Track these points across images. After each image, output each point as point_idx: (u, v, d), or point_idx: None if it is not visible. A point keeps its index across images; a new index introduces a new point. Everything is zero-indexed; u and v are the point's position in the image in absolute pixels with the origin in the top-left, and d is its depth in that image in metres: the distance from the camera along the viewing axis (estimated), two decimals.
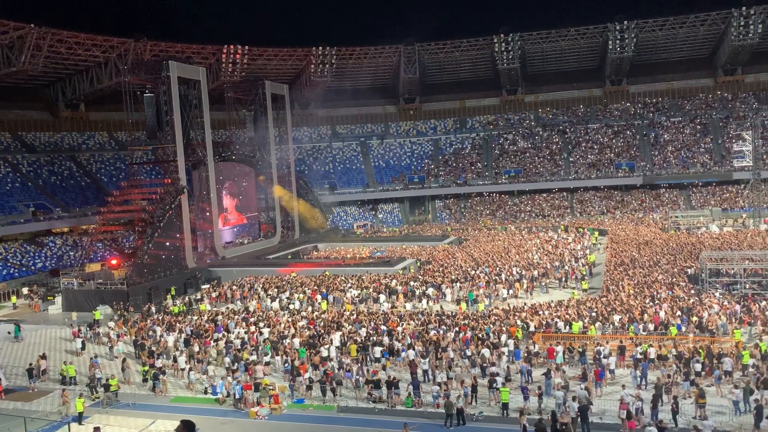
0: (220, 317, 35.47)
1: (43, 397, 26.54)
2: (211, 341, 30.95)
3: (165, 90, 51.24)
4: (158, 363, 27.82)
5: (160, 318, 36.74)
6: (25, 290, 48.82)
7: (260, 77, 69.74)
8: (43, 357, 29.75)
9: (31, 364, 28.57)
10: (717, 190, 76.53)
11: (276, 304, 38.93)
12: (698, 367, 23.49)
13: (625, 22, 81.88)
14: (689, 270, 39.88)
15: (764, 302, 31.39)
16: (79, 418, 23.32)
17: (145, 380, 26.99)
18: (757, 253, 39.63)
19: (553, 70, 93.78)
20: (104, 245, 54.90)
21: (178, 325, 34.31)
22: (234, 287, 44.45)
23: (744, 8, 78.26)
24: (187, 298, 43.03)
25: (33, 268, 55.27)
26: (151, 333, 33.41)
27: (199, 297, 43.24)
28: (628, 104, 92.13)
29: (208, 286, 46.70)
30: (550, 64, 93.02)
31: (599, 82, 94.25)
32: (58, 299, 44.46)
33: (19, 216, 57.96)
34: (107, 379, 26.16)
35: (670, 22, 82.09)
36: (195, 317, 36.57)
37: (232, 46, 77.94)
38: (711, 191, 76.70)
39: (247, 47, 78.99)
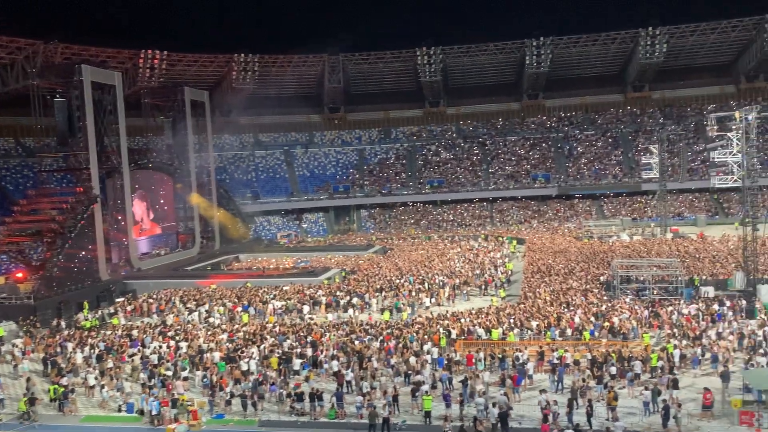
0: (135, 331, 34.05)
1: None
2: (126, 356, 29.65)
3: (77, 95, 48.97)
4: (64, 381, 26.31)
5: (71, 333, 34.89)
6: None
7: (179, 83, 67.90)
8: None
9: None
10: (627, 201, 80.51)
11: (195, 318, 37.76)
12: (613, 370, 24.47)
13: (541, 39, 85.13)
14: (602, 277, 41.64)
15: (671, 307, 33.14)
16: None
17: (53, 400, 25.49)
18: (664, 260, 41.85)
19: (473, 83, 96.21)
20: (9, 257, 51.57)
21: (90, 340, 32.68)
22: (150, 300, 42.82)
23: (650, 29, 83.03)
24: (99, 312, 41.08)
25: None
26: (60, 349, 31.68)
27: (112, 311, 41.38)
28: (543, 118, 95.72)
29: (122, 299, 44.78)
30: (471, 78, 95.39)
31: (517, 96, 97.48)
32: None
33: None
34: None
35: (583, 39, 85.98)
36: (108, 332, 34.95)
37: (149, 51, 75.67)
38: (622, 202, 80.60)
39: (165, 52, 76.87)
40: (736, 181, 39.88)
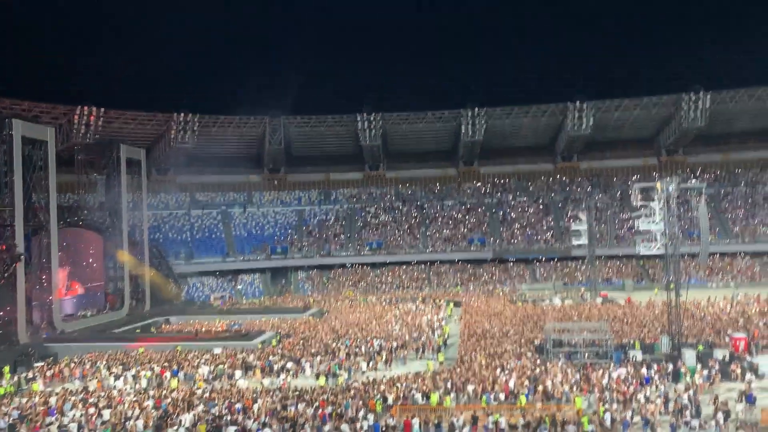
0: (54, 398, 32.10)
1: None
2: (42, 426, 27.82)
3: (6, 149, 47.46)
4: None
5: None
6: None
7: (116, 140, 66.78)
8: None
9: None
10: (558, 266, 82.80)
11: (120, 383, 36.02)
12: None
13: (476, 109, 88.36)
14: (535, 340, 42.29)
15: (601, 371, 33.86)
16: None
17: None
18: (594, 324, 42.94)
19: (412, 149, 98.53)
20: None
21: (2, 408, 30.56)
22: (72, 364, 40.65)
23: (578, 103, 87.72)
24: (16, 378, 38.61)
25: None
26: None
27: (30, 376, 38.99)
28: (479, 184, 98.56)
29: (42, 363, 42.30)
30: (410, 144, 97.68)
31: (453, 162, 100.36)
32: None
33: None
34: None
35: (515, 111, 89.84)
36: (24, 399, 32.82)
37: (85, 108, 74.40)
38: (553, 266, 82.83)
39: (102, 109, 75.76)
40: (659, 248, 41.86)
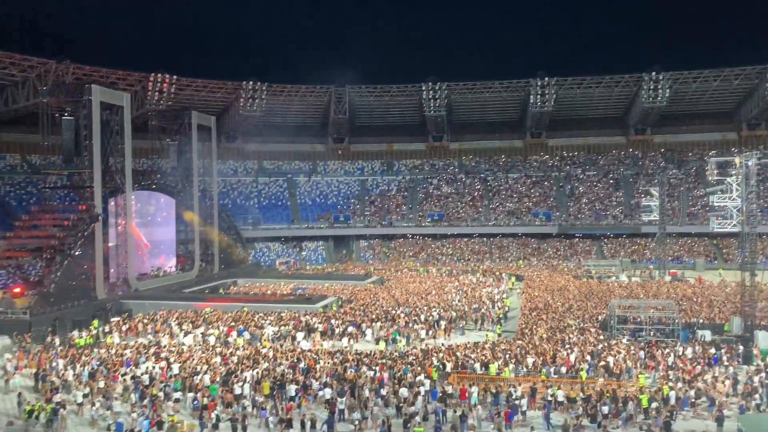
0: (129, 351, 33.92)
1: None
2: (119, 376, 29.49)
3: (85, 114, 49.46)
4: (57, 398, 26.15)
5: (64, 351, 34.74)
6: None
7: (187, 107, 68.59)
8: None
9: None
10: (627, 242, 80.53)
11: (189, 339, 37.63)
12: (605, 409, 24.27)
13: (546, 79, 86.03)
14: (599, 316, 41.52)
15: (667, 349, 32.99)
16: None
17: (36, 417, 24.97)
18: (661, 302, 41.75)
19: (477, 119, 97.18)
20: (8, 272, 51.61)
21: (83, 358, 32.53)
22: (146, 321, 42.71)
23: (654, 73, 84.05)
24: (94, 331, 40.92)
25: None
26: (54, 364, 31.52)
27: (107, 330, 41.26)
28: (546, 156, 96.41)
29: (118, 318, 44.63)
30: (475, 114, 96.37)
31: (520, 134, 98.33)
32: None
33: None
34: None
35: (587, 81, 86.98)
36: (102, 350, 34.81)
37: (159, 75, 76.68)
38: (621, 243, 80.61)
39: (175, 77, 77.87)
40: (734, 226, 40.04)
